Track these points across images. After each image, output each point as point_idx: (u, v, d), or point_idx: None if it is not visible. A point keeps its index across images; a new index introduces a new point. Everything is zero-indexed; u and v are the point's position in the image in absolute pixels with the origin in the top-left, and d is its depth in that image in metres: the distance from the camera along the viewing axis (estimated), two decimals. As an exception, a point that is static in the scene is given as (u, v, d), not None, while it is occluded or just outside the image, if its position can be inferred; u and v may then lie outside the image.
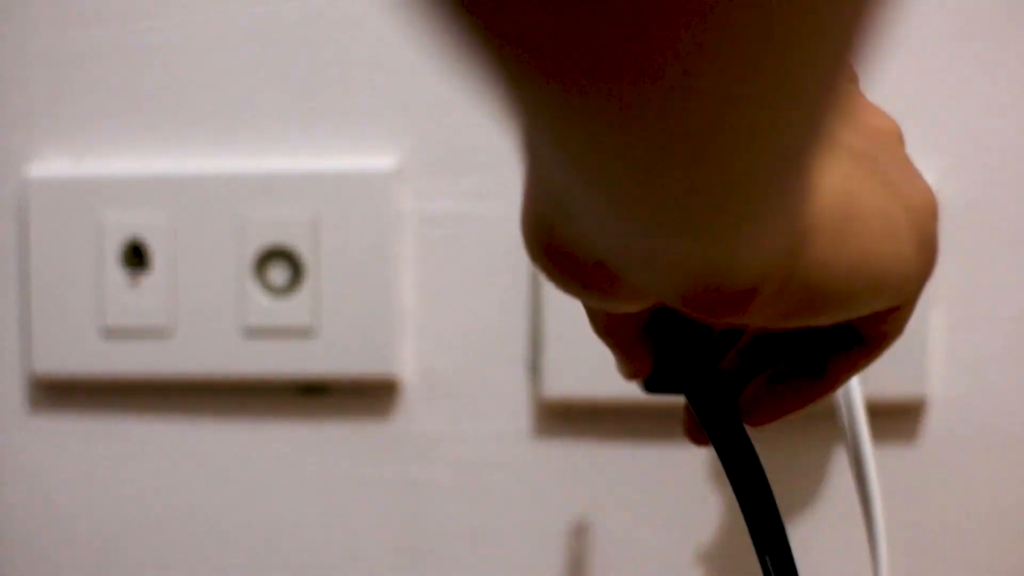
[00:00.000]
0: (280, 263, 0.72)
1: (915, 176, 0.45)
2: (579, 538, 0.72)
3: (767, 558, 0.47)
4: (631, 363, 0.49)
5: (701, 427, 0.49)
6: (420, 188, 0.72)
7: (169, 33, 0.74)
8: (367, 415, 0.73)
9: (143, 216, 0.73)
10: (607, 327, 0.49)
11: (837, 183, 0.40)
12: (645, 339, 0.49)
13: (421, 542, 0.73)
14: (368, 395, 0.73)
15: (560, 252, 0.37)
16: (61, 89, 0.74)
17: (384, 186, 0.72)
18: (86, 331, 0.73)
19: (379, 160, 0.72)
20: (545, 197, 0.35)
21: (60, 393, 0.75)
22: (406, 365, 0.72)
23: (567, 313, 0.69)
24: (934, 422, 0.70)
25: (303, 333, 0.72)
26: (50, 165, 0.74)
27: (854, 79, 0.48)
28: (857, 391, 0.59)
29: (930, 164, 0.69)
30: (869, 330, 0.47)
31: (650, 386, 0.49)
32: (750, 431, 0.49)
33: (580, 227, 0.35)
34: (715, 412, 0.48)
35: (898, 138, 0.46)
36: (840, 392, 0.59)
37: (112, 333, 0.73)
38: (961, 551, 0.70)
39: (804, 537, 0.70)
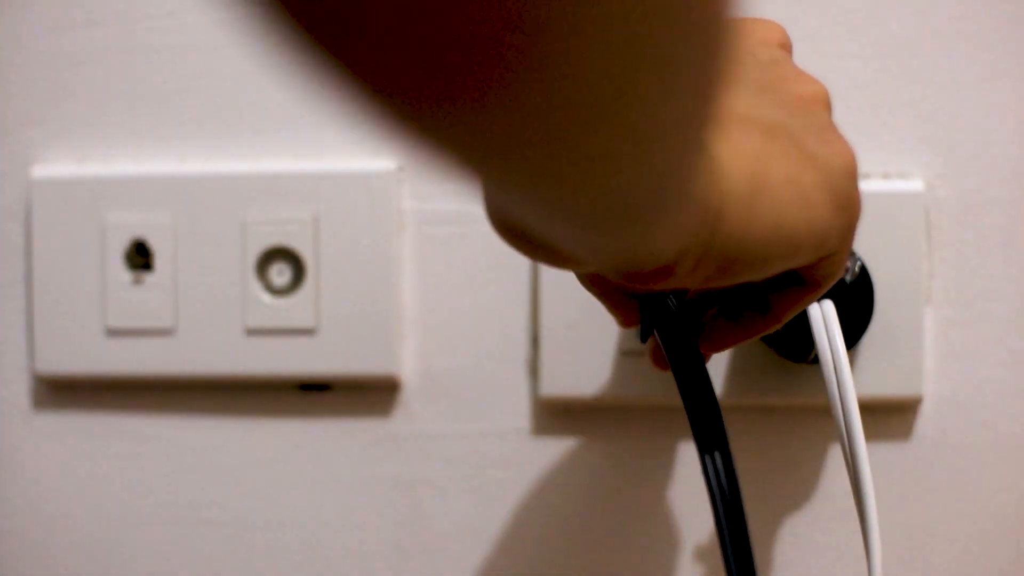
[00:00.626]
0: (281, 263, 0.73)
1: (833, 139, 0.48)
2: (578, 537, 0.72)
3: (707, 458, 0.51)
4: (617, 312, 0.54)
5: (664, 354, 0.54)
6: (420, 188, 0.73)
7: (172, 34, 0.74)
8: (367, 414, 0.73)
9: (146, 216, 0.73)
10: (590, 280, 0.53)
11: (747, 161, 0.43)
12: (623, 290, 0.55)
13: (421, 540, 0.73)
14: (368, 394, 0.73)
15: (515, 232, 0.41)
16: (64, 90, 0.75)
17: (384, 186, 0.72)
18: (90, 330, 0.74)
19: (379, 160, 0.73)
20: (493, 190, 0.38)
21: (64, 392, 0.75)
22: (406, 364, 0.73)
23: (567, 313, 0.70)
24: (928, 420, 0.70)
25: (304, 332, 0.72)
26: (54, 166, 0.75)
27: (786, 46, 0.51)
28: (852, 389, 0.60)
29: (924, 165, 0.70)
30: (806, 275, 0.50)
31: (644, 334, 0.54)
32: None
33: (521, 218, 0.39)
34: (678, 340, 0.53)
35: (821, 103, 0.49)
36: (835, 390, 0.60)
37: (115, 332, 0.74)
38: (954, 548, 0.70)
39: (799, 533, 0.71)
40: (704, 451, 0.51)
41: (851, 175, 0.48)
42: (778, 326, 0.54)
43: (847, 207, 0.47)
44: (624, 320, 0.54)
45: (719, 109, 0.36)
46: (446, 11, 0.25)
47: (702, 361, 0.52)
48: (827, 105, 0.49)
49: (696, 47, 0.31)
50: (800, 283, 0.51)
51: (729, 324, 0.55)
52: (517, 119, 0.29)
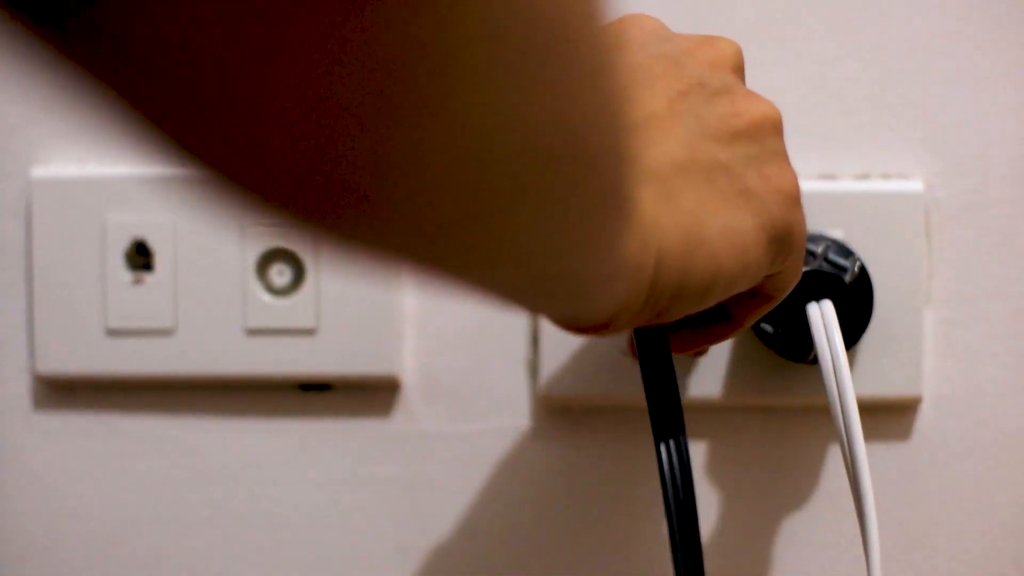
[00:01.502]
0: (281, 263, 0.73)
1: (774, 171, 0.48)
2: (578, 537, 0.72)
3: (662, 446, 0.53)
4: None
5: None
6: (420, 189, 0.73)
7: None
8: (368, 414, 0.73)
9: (146, 216, 0.73)
10: None
11: (684, 217, 0.44)
12: None
13: (421, 540, 0.73)
14: (369, 394, 0.73)
15: None
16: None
17: (384, 187, 0.72)
18: (90, 330, 0.74)
19: (379, 161, 0.73)
20: None
21: (64, 392, 0.75)
22: (406, 364, 0.73)
23: (566, 313, 0.70)
24: (927, 420, 0.70)
25: (304, 332, 0.72)
26: (54, 166, 0.75)
27: (739, 68, 0.50)
28: (851, 389, 0.60)
29: (923, 165, 0.70)
30: (758, 289, 0.51)
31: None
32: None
33: None
34: (647, 335, 0.54)
35: (769, 128, 0.49)
36: (834, 390, 0.60)
37: (116, 332, 0.74)
38: (953, 547, 0.70)
39: (798, 533, 0.71)
40: (660, 439, 0.53)
41: (790, 205, 0.48)
42: (741, 330, 0.56)
43: (785, 239, 0.48)
44: None
45: (641, 173, 0.37)
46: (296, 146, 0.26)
47: (668, 352, 0.54)
48: (776, 129, 0.49)
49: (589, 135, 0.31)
50: (754, 294, 0.52)
51: (690, 331, 0.57)
52: (399, 221, 0.29)
